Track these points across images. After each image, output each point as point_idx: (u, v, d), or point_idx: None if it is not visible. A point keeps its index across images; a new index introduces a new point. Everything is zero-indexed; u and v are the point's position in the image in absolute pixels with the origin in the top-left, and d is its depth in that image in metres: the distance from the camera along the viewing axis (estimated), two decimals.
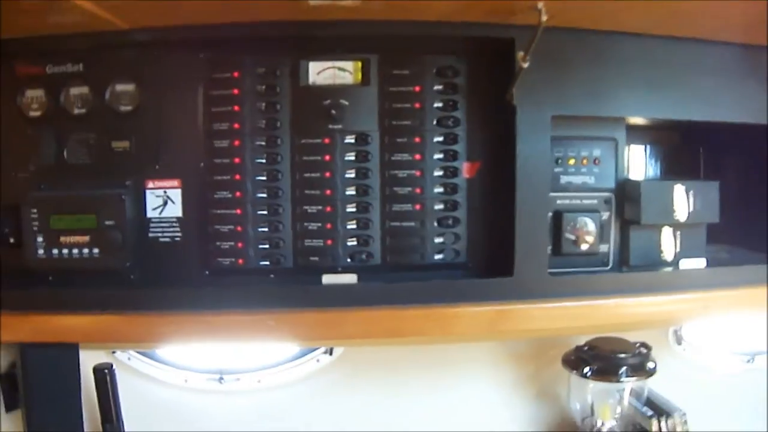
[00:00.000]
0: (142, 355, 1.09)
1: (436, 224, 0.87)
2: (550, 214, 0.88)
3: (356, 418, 1.15)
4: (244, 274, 0.86)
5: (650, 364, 1.07)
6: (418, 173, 0.86)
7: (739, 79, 0.91)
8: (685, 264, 0.92)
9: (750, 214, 1.05)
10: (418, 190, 0.86)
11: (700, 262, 0.92)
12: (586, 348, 1.08)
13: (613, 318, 0.88)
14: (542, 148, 0.84)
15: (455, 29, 0.82)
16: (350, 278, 0.85)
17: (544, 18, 0.70)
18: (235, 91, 0.85)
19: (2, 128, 0.83)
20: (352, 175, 0.86)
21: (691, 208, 0.90)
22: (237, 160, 0.85)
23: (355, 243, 0.87)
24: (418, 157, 0.86)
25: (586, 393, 1.11)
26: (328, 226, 0.86)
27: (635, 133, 1.11)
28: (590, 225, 0.89)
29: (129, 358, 1.09)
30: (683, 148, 1.16)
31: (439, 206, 0.87)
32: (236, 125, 0.85)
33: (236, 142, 0.85)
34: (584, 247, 0.89)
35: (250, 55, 0.85)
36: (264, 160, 0.85)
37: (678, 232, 0.93)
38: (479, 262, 0.88)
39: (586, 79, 0.84)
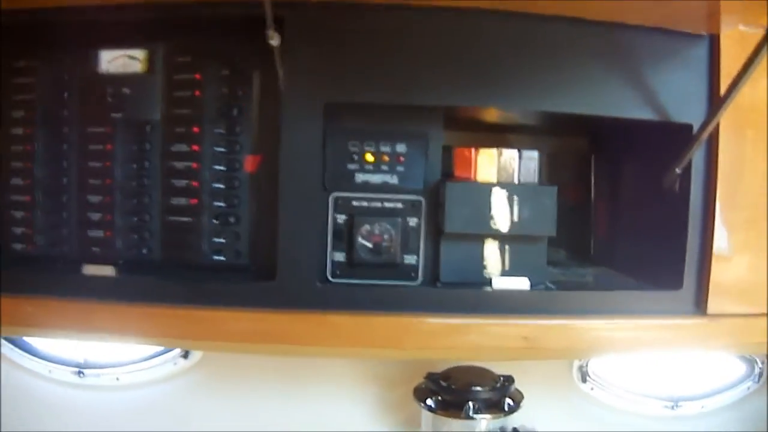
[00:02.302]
0: (11, 343, 1.02)
1: (215, 221, 0.72)
2: (343, 216, 0.71)
3: (210, 422, 1.01)
4: (34, 261, 0.76)
5: (509, 401, 0.84)
6: (195, 165, 0.72)
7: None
8: (502, 284, 0.70)
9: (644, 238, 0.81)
10: (195, 183, 0.72)
11: (520, 283, 0.70)
12: (438, 377, 0.87)
13: (404, 342, 0.68)
14: (313, 141, 0.67)
15: (237, 8, 0.68)
16: (108, 270, 0.72)
17: None
18: (31, 80, 0.76)
19: None
20: (135, 166, 0.74)
21: (516, 218, 0.69)
22: (28, 147, 0.76)
23: (135, 237, 0.74)
24: (195, 147, 0.72)
25: (440, 428, 0.89)
26: (108, 217, 0.74)
27: (530, 139, 0.92)
28: (391, 231, 0.70)
29: None
30: (586, 158, 0.93)
31: (219, 202, 0.72)
32: (30, 114, 0.75)
33: (28, 131, 0.76)
34: (384, 256, 0.71)
35: (44, 43, 0.76)
36: (53, 149, 0.75)
37: (507, 246, 0.72)
38: (262, 265, 0.72)
39: (374, 60, 0.66)
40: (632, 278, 0.79)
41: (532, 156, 0.76)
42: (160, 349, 1.01)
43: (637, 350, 0.76)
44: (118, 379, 1.02)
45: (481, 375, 0.87)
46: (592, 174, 0.89)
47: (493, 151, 0.75)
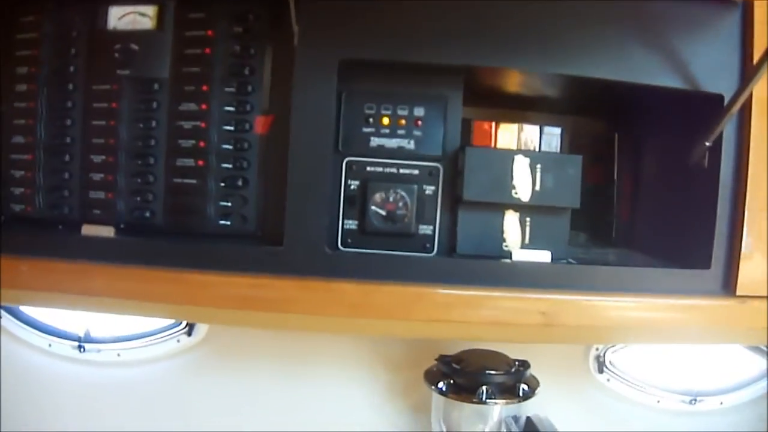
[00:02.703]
0: (9, 314, 0.98)
1: (222, 184, 0.68)
2: (356, 182, 0.67)
3: (214, 402, 0.96)
4: (34, 223, 0.72)
5: (524, 387, 0.79)
6: (203, 125, 0.67)
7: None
8: (523, 256, 0.65)
9: (672, 220, 0.76)
10: (201, 144, 0.67)
11: (542, 256, 0.65)
12: (450, 359, 0.82)
13: (415, 312, 0.63)
14: (326, 101, 0.62)
15: None
16: (108, 231, 0.68)
17: None
18: (36, 35, 0.72)
19: None
20: (141, 126, 0.70)
21: (538, 187, 0.65)
22: (32, 104, 0.72)
23: (138, 199, 0.70)
24: (204, 106, 0.67)
25: (450, 414, 0.84)
26: (110, 178, 0.70)
27: (551, 117, 0.88)
28: (406, 199, 0.66)
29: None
30: (606, 138, 0.88)
31: (227, 164, 0.67)
32: (33, 69, 0.71)
33: (32, 87, 0.72)
34: (398, 225, 0.66)
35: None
36: (57, 107, 0.71)
37: (528, 218, 0.67)
38: (270, 232, 0.68)
39: (393, 16, 0.62)
40: (657, 259, 0.74)
41: (554, 132, 0.72)
42: (163, 324, 0.97)
43: (660, 331, 0.71)
44: (119, 355, 0.97)
45: (496, 359, 0.82)
46: (615, 153, 0.84)
47: (514, 126, 0.71)
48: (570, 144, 0.79)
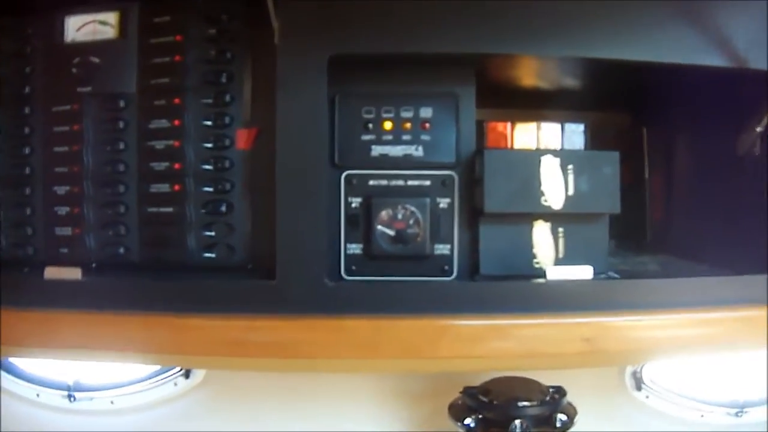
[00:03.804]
0: None
1: (203, 211, 0.56)
2: (358, 199, 0.54)
3: None
4: None
5: (562, 417, 0.66)
6: (177, 144, 0.55)
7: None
8: (559, 274, 0.52)
9: (716, 219, 0.63)
10: (177, 166, 0.55)
11: (582, 272, 0.52)
12: (477, 391, 0.69)
13: (438, 349, 0.50)
14: (317, 106, 0.50)
15: None
16: (74, 273, 0.55)
17: None
18: None
19: None
20: (108, 149, 0.58)
21: (571, 191, 0.52)
22: None
23: (110, 233, 0.57)
24: (177, 122, 0.55)
25: None
26: (76, 210, 0.57)
27: (571, 114, 0.75)
28: (417, 215, 0.53)
29: None
30: (632, 133, 0.76)
31: (207, 187, 0.55)
32: None
33: None
34: (410, 246, 0.53)
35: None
36: (13, 134, 0.59)
37: (561, 229, 0.54)
38: (261, 263, 0.55)
39: (392, 3, 0.49)
40: (701, 263, 0.62)
41: (578, 129, 0.60)
42: (159, 368, 0.84)
43: (715, 346, 0.58)
44: (112, 402, 0.84)
45: (527, 387, 0.68)
46: (645, 149, 0.71)
47: (532, 125, 0.59)
48: (593, 142, 0.66)
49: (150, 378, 0.84)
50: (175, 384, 0.83)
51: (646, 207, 0.72)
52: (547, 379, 0.72)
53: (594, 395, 0.80)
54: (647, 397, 0.83)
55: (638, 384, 0.82)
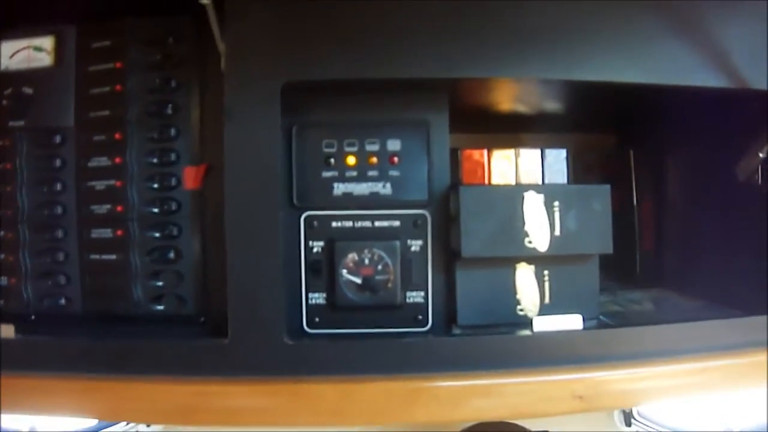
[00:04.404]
0: None
1: (148, 258, 0.48)
2: (320, 243, 0.47)
3: None
4: None
5: None
6: (118, 184, 0.48)
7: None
8: (546, 325, 0.45)
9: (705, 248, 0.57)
10: (119, 209, 0.48)
11: (571, 321, 0.45)
12: None
13: (412, 413, 0.43)
14: (270, 139, 0.43)
15: None
16: (7, 330, 0.47)
17: None
18: None
19: None
20: (44, 190, 0.50)
21: (558, 231, 0.45)
22: None
23: (49, 283, 0.50)
24: (118, 160, 0.48)
25: None
26: (11, 258, 0.49)
27: (551, 138, 0.69)
28: (386, 260, 0.46)
29: None
30: (618, 155, 0.69)
31: (153, 232, 0.48)
32: None
33: None
34: (379, 295, 0.46)
35: None
36: None
37: (546, 272, 0.47)
38: (215, 316, 0.47)
39: (350, 20, 0.42)
40: (697, 299, 0.55)
41: (560, 156, 0.53)
42: None
43: (719, 392, 0.51)
44: None
45: None
46: (632, 172, 0.65)
47: (510, 151, 0.52)
48: (576, 166, 0.59)
49: (111, 425, 0.76)
50: None
51: (636, 236, 0.65)
52: (532, 423, 0.65)
53: None
54: None
55: (627, 420, 0.75)
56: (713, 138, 0.56)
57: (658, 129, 0.64)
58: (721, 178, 0.55)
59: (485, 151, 0.53)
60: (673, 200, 0.63)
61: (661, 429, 0.77)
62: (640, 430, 0.76)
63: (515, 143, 0.56)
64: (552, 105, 0.57)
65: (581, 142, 0.71)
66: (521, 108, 0.58)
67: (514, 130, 0.66)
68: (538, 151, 0.53)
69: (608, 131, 0.71)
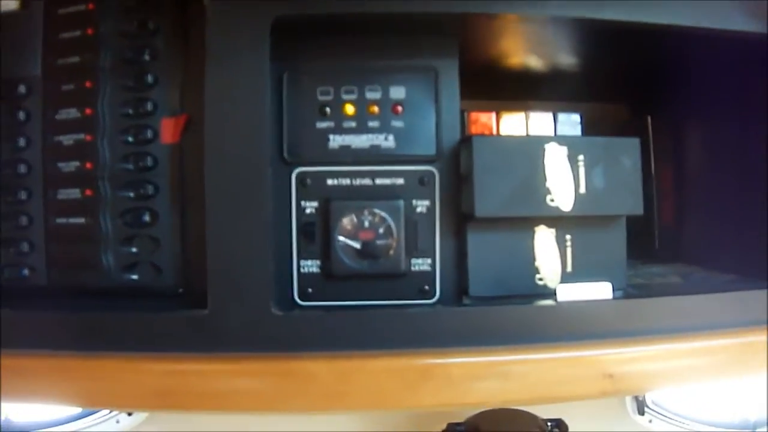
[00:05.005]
0: None
1: (120, 221, 0.41)
2: (314, 204, 0.40)
3: None
4: None
5: None
6: (88, 137, 0.41)
7: None
8: (570, 294, 0.39)
9: (728, 218, 0.51)
10: (88, 165, 0.41)
11: (599, 290, 0.38)
12: (463, 428, 0.55)
13: (419, 396, 0.36)
14: (256, 84, 0.36)
15: None
16: None
17: None
18: None
19: None
20: (7, 147, 0.43)
21: (583, 188, 0.39)
22: None
23: (11, 251, 0.43)
24: (89, 111, 0.41)
25: None
26: None
27: (562, 105, 0.62)
28: (389, 222, 0.39)
29: None
30: (633, 123, 0.63)
31: (126, 192, 0.41)
32: None
33: None
34: (380, 262, 0.39)
35: None
36: None
37: (568, 236, 0.41)
38: (196, 285, 0.41)
39: None
40: (723, 272, 0.49)
41: (574, 119, 0.47)
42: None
43: (746, 369, 0.45)
44: None
45: (521, 421, 0.55)
46: (650, 141, 0.58)
47: (520, 114, 0.46)
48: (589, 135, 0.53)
49: (89, 415, 0.69)
50: (117, 421, 0.68)
51: (654, 208, 0.59)
52: (544, 410, 0.58)
53: (592, 422, 0.66)
54: (650, 421, 0.69)
55: (641, 408, 0.69)
56: (735, 104, 0.50)
57: (676, 97, 0.58)
58: (749, 142, 0.49)
59: (494, 114, 0.47)
60: (693, 168, 0.57)
61: (674, 418, 0.71)
62: (653, 417, 0.69)
63: (525, 109, 0.50)
64: (567, 60, 0.51)
65: (593, 112, 0.64)
66: (533, 63, 0.51)
67: (523, 96, 0.60)
68: (549, 114, 0.48)
69: (621, 102, 0.65)
